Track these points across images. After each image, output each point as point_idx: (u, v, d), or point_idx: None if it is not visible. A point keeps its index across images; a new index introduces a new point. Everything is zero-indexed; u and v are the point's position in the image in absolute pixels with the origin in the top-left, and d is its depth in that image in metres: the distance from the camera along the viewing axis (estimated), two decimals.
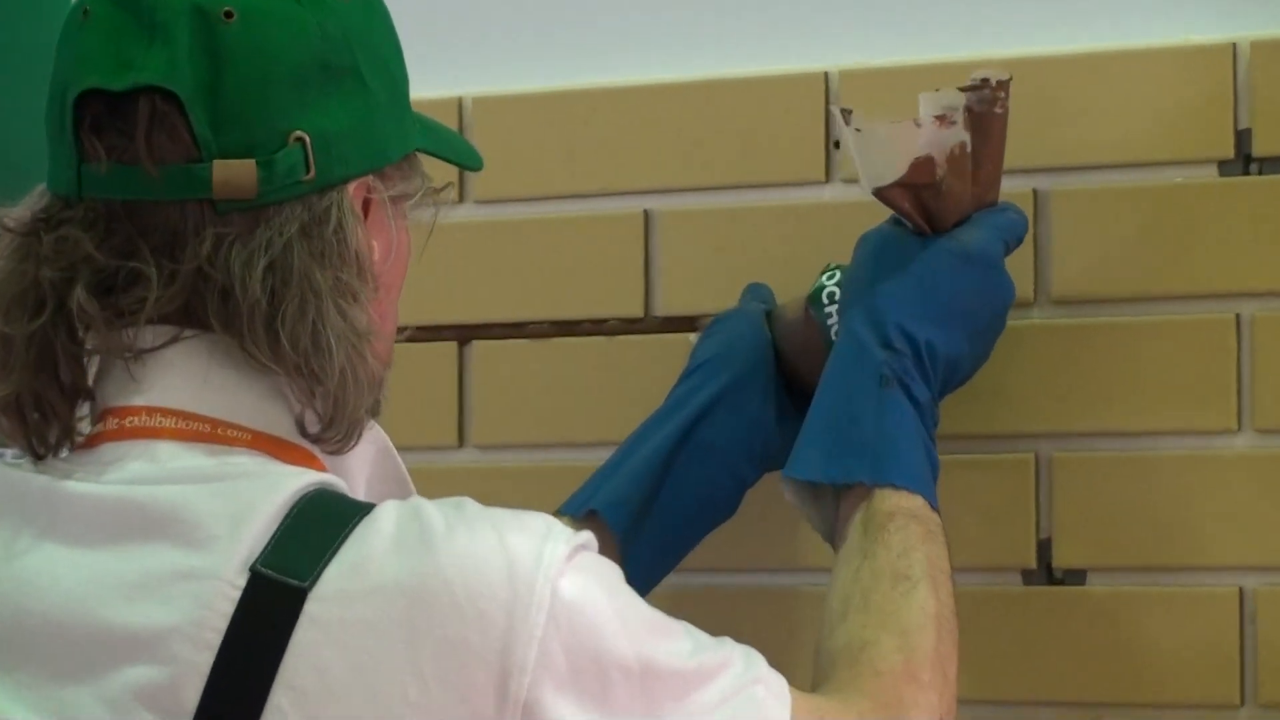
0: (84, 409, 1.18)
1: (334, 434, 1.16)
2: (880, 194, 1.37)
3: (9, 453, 1.28)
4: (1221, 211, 1.46)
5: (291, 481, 1.12)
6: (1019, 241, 1.41)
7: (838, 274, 1.44)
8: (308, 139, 1.15)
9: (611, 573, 1.14)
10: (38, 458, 1.17)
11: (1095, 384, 1.47)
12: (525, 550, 1.09)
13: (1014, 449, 1.49)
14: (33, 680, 1.10)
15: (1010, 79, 1.38)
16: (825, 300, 1.43)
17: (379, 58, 1.21)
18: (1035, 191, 1.49)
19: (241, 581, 1.08)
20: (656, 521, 1.43)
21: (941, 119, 1.35)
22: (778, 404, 1.45)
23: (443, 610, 1.07)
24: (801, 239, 1.54)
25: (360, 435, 1.18)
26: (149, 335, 1.15)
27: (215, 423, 1.15)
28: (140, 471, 1.13)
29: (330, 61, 1.17)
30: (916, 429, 1.34)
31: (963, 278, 1.37)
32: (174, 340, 1.15)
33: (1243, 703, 1.44)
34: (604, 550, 1.15)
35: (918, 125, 1.35)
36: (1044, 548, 1.48)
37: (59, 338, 1.16)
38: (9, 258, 1.17)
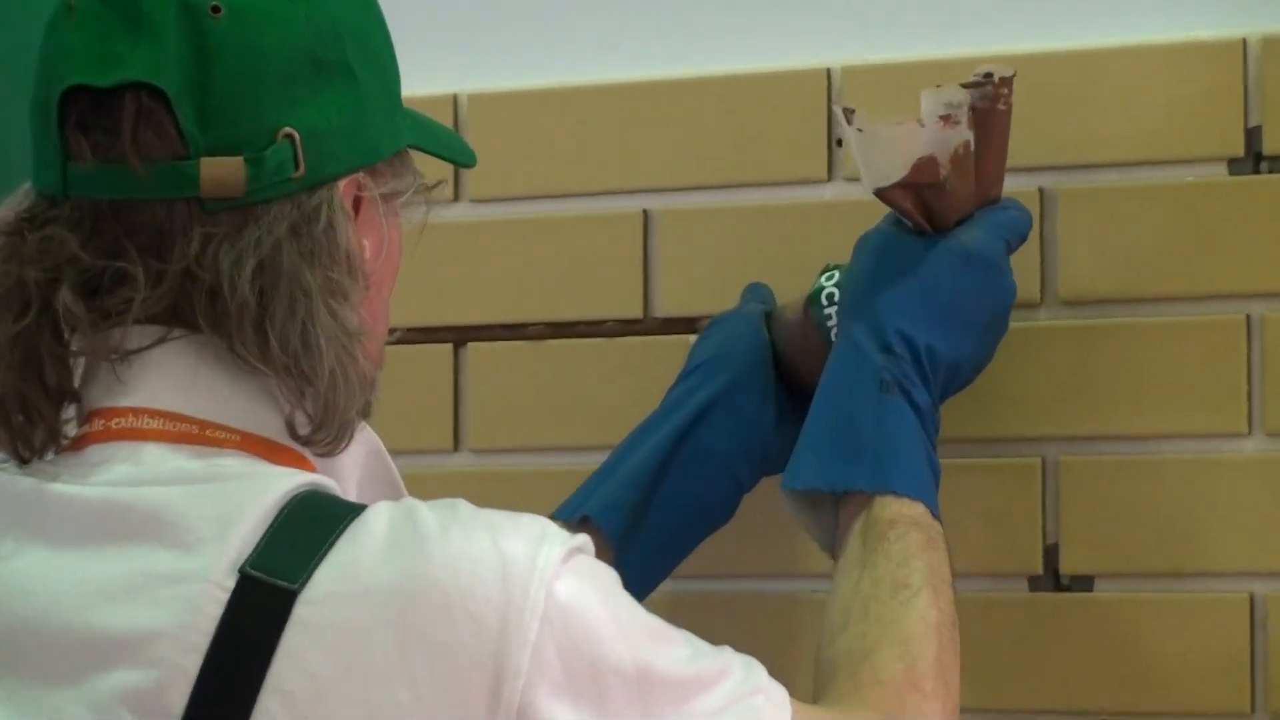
0: (70, 411, 1.18)
1: (324, 435, 1.16)
2: (882, 194, 1.37)
3: None
4: (1231, 210, 1.46)
5: (281, 482, 1.12)
6: (1022, 239, 1.41)
7: (836, 275, 1.43)
8: (297, 136, 1.15)
9: (607, 577, 1.13)
10: (22, 461, 1.17)
11: (1103, 386, 1.47)
12: (520, 553, 1.09)
13: (1020, 452, 1.49)
14: (19, 685, 1.10)
15: (1014, 75, 1.37)
16: (824, 302, 1.43)
17: (369, 52, 1.20)
18: (1041, 190, 1.49)
19: (230, 583, 1.08)
20: (652, 526, 1.43)
21: (946, 119, 1.35)
22: (776, 406, 1.44)
23: (435, 613, 1.07)
24: (803, 238, 1.53)
25: (351, 437, 1.18)
26: (136, 336, 1.15)
27: (203, 424, 1.14)
28: (127, 473, 1.13)
29: (320, 56, 1.16)
30: (917, 434, 1.34)
31: (963, 279, 1.37)
32: (161, 341, 1.15)
33: (1253, 710, 1.44)
34: (599, 556, 1.15)
35: (921, 125, 1.35)
36: (1051, 553, 1.48)
37: (44, 339, 1.15)
38: None
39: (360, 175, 1.18)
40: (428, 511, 1.11)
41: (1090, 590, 1.47)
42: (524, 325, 1.61)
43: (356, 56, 1.18)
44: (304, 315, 1.13)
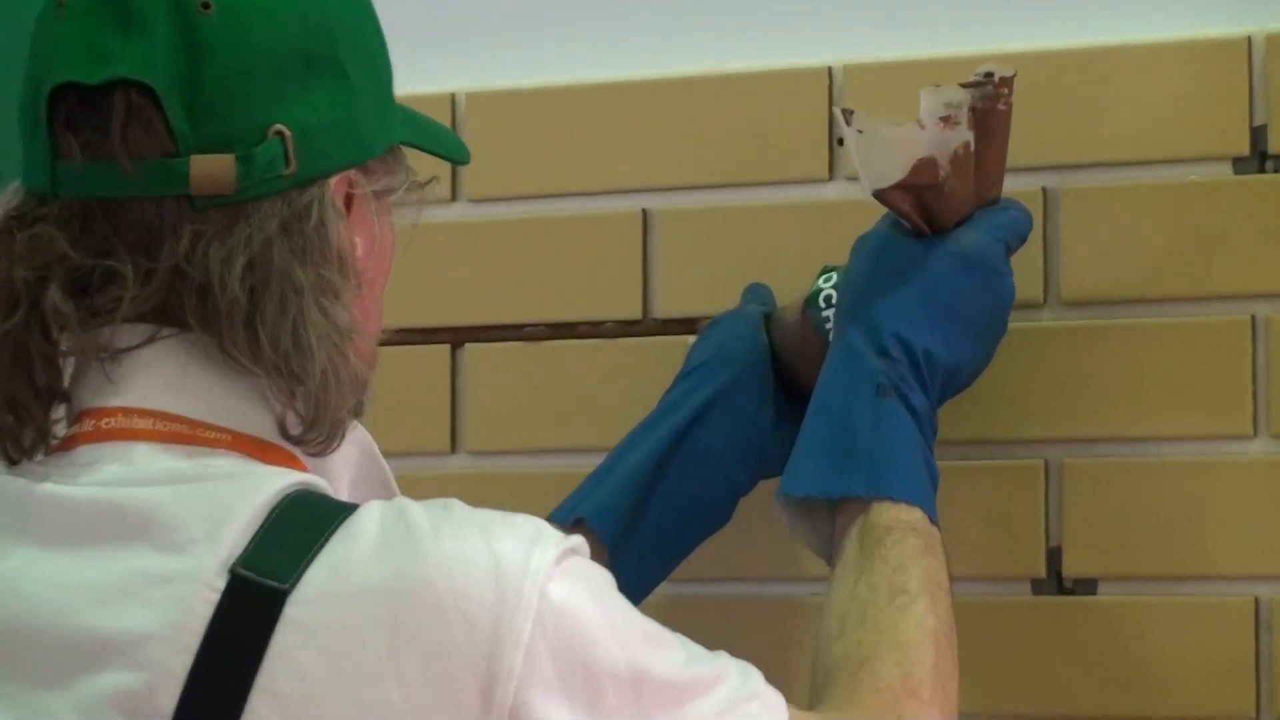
0: (60, 411, 1.17)
1: (316, 435, 1.16)
2: (880, 196, 1.37)
3: None
4: (1236, 210, 1.45)
5: (272, 482, 1.12)
6: (1022, 240, 1.41)
7: (834, 276, 1.43)
8: (288, 132, 1.15)
9: (602, 578, 1.13)
10: (12, 462, 1.17)
11: (1106, 388, 1.47)
12: (513, 553, 1.09)
13: (1022, 455, 1.49)
14: (9, 687, 1.10)
15: (1014, 75, 1.37)
16: (822, 304, 1.42)
17: (361, 48, 1.20)
18: (1044, 190, 1.49)
19: (220, 584, 1.08)
20: (647, 529, 1.43)
21: (946, 120, 1.35)
22: (775, 408, 1.44)
23: (427, 613, 1.07)
24: (804, 238, 1.53)
25: (343, 436, 1.18)
26: (125, 335, 1.15)
27: (194, 424, 1.14)
28: (117, 474, 1.13)
29: (311, 52, 1.16)
30: (915, 439, 1.34)
31: (961, 281, 1.37)
32: (151, 340, 1.15)
33: (1258, 715, 1.43)
34: (594, 558, 1.15)
35: (921, 127, 1.35)
36: (1054, 556, 1.48)
37: (33, 339, 1.15)
38: None
39: (352, 172, 1.18)
40: (420, 511, 1.11)
41: (1094, 593, 1.47)
42: (522, 326, 1.61)
43: (347, 52, 1.18)
44: (295, 313, 1.13)
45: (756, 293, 1.51)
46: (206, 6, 1.13)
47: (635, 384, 1.53)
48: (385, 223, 1.22)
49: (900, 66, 1.52)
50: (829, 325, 1.41)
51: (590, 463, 1.48)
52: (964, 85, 1.37)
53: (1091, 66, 1.48)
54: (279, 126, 1.14)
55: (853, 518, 1.33)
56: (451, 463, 1.62)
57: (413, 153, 1.26)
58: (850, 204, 1.52)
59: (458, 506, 1.12)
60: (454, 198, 1.63)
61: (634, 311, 1.58)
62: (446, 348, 1.63)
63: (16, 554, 1.13)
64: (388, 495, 1.22)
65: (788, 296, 1.49)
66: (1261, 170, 1.45)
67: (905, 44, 1.54)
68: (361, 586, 1.07)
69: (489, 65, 1.64)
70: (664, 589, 1.47)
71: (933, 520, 1.32)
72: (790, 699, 1.17)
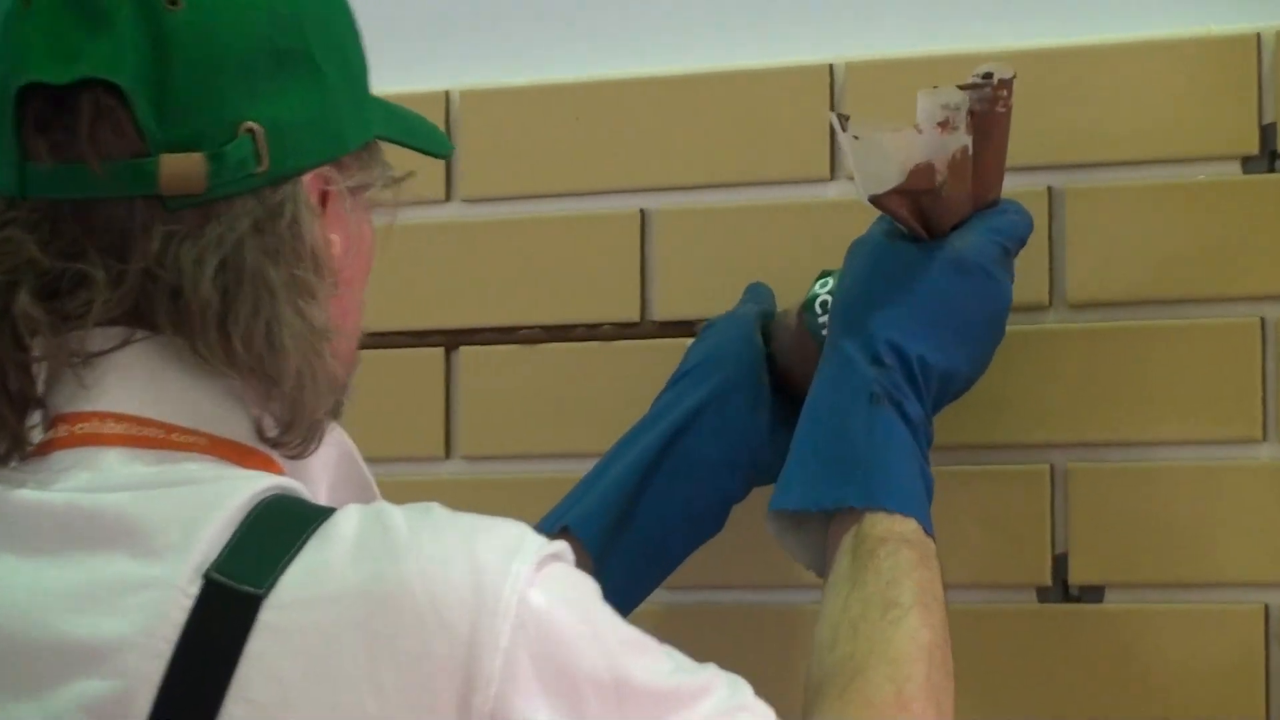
0: (35, 417, 1.17)
1: (292, 438, 1.16)
2: (877, 201, 1.36)
3: None
4: (1245, 210, 1.45)
5: (248, 486, 1.12)
6: (1021, 243, 1.40)
7: (830, 281, 1.43)
8: (259, 130, 1.14)
9: (585, 585, 1.13)
10: None
11: (1113, 391, 1.47)
12: (493, 558, 1.08)
13: (1028, 460, 1.49)
14: None
15: (1013, 76, 1.37)
16: (818, 309, 1.42)
17: (334, 41, 1.20)
18: (1049, 189, 1.49)
19: (194, 589, 1.08)
20: (635, 537, 1.42)
21: (944, 124, 1.34)
22: (769, 413, 1.44)
23: (404, 618, 1.06)
24: (805, 239, 1.53)
25: (321, 439, 1.18)
26: (98, 338, 1.15)
27: (169, 428, 1.14)
28: (91, 479, 1.13)
29: (282, 47, 1.16)
30: (910, 448, 1.34)
31: (957, 286, 1.36)
32: (125, 343, 1.15)
33: None
34: (579, 567, 1.14)
35: (919, 132, 1.34)
36: (1060, 563, 1.48)
37: (4, 345, 1.15)
38: None
39: (326, 169, 1.18)
40: (398, 515, 1.11)
41: (1100, 601, 1.47)
42: (518, 328, 1.61)
43: (320, 47, 1.18)
44: (268, 314, 1.13)
45: (755, 293, 1.50)
46: (174, 3, 1.13)
47: (633, 387, 1.53)
48: (363, 220, 1.22)
49: (902, 64, 1.52)
50: (825, 331, 1.41)
51: (587, 468, 1.48)
52: (962, 87, 1.36)
53: (1097, 64, 1.48)
54: (250, 124, 1.14)
55: (845, 529, 1.32)
56: (445, 468, 1.62)
57: (399, 148, 1.26)
58: (851, 204, 1.50)
59: (438, 510, 1.12)
60: (448, 197, 1.63)
61: (632, 313, 1.58)
62: (440, 351, 1.63)
63: None
64: (368, 498, 1.22)
65: (787, 299, 1.49)
66: (1271, 170, 1.45)
67: (907, 41, 1.53)
68: (338, 591, 1.07)
69: (484, 62, 1.64)
70: (661, 596, 1.47)
71: (927, 531, 1.32)
72: (786, 710, 1.16)
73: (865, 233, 1.41)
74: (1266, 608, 1.43)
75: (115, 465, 1.13)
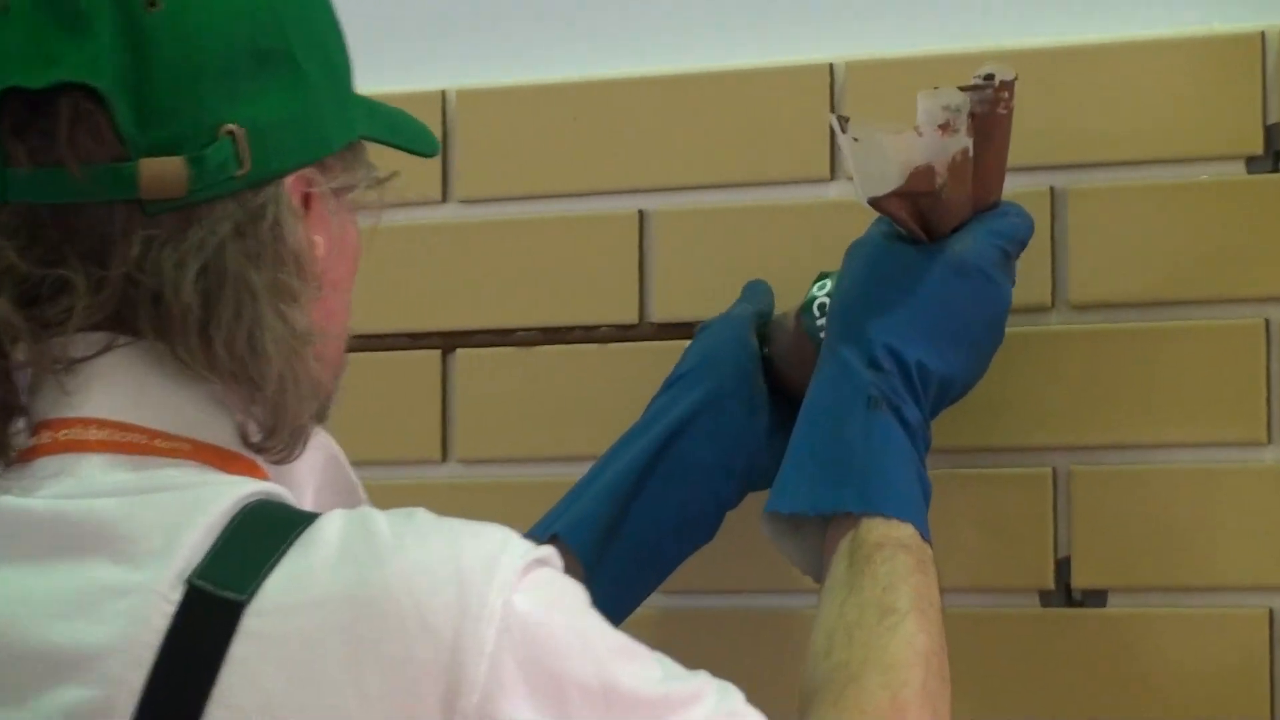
0: (20, 423, 1.17)
1: (276, 443, 1.16)
2: (876, 203, 1.36)
3: None
4: (1249, 211, 1.45)
5: (232, 491, 1.12)
6: (1022, 245, 1.40)
7: (828, 283, 1.43)
8: (239, 132, 1.14)
9: (572, 591, 1.13)
10: None
11: (1115, 393, 1.47)
12: (478, 562, 1.08)
13: (1030, 463, 1.48)
14: None
15: (1015, 78, 1.36)
16: (816, 311, 1.42)
17: (316, 40, 1.20)
18: (1052, 190, 1.49)
19: (176, 596, 1.08)
20: (626, 544, 1.42)
21: (944, 126, 1.34)
22: (765, 417, 1.43)
23: (388, 624, 1.06)
24: (804, 240, 1.53)
25: (305, 443, 1.19)
26: (80, 345, 1.15)
27: (152, 433, 1.15)
28: (75, 486, 1.13)
29: (262, 48, 1.16)
30: (907, 453, 1.33)
31: (955, 290, 1.36)
32: (107, 349, 1.15)
33: None
34: (569, 574, 1.14)
35: (919, 134, 1.34)
36: (1062, 567, 1.48)
37: None
38: None
39: (309, 170, 1.18)
40: (382, 519, 1.10)
41: (1103, 605, 1.47)
42: (515, 331, 1.61)
43: (302, 47, 1.18)
44: (250, 318, 1.13)
45: (753, 291, 1.50)
46: (153, 4, 1.13)
47: (631, 390, 1.52)
48: (347, 221, 1.22)
49: (903, 63, 1.52)
50: (823, 334, 1.40)
51: (585, 472, 1.48)
52: (963, 89, 1.36)
53: (1100, 63, 1.48)
54: (230, 126, 1.14)
55: (842, 533, 1.32)
56: (442, 472, 1.62)
57: (385, 149, 1.26)
58: (851, 205, 1.49)
59: (422, 515, 1.12)
60: (444, 198, 1.63)
61: (630, 315, 1.58)
62: (437, 353, 1.62)
63: None
64: (354, 503, 1.22)
65: (787, 300, 1.48)
66: (1275, 169, 1.45)
67: (908, 40, 1.53)
68: (321, 597, 1.07)
69: (480, 62, 1.63)
70: (657, 601, 1.47)
71: (925, 537, 1.32)
72: (782, 716, 1.16)
73: (864, 234, 1.40)
74: (1271, 612, 1.43)
75: (98, 472, 1.13)
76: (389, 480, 1.60)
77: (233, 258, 1.13)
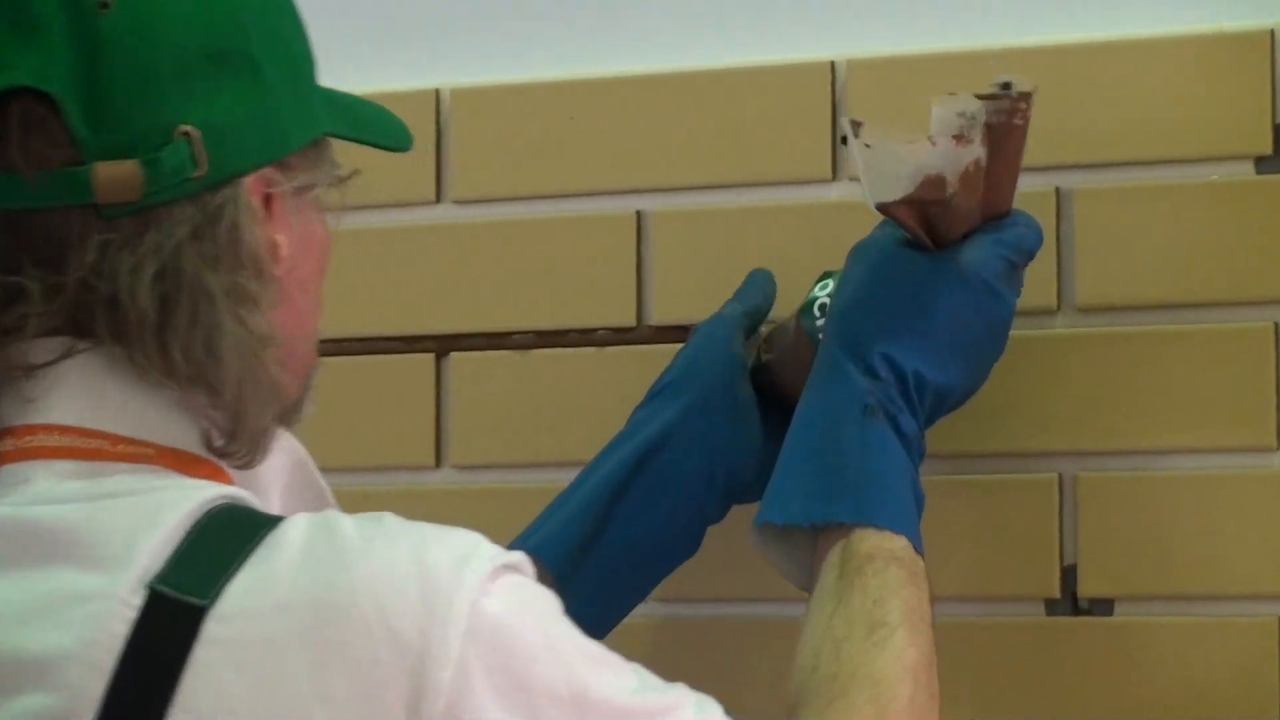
0: None
1: (238, 447, 1.17)
2: (884, 209, 1.36)
3: None
4: (1258, 212, 1.45)
5: (195, 496, 1.12)
6: (1029, 256, 1.40)
7: (830, 283, 1.42)
8: (195, 133, 1.15)
9: (543, 598, 1.13)
10: None
11: (1122, 398, 1.46)
12: (445, 566, 1.08)
13: (1035, 468, 1.48)
14: None
15: (1034, 90, 1.36)
16: (817, 312, 1.42)
17: (275, 37, 1.20)
18: (1057, 190, 1.48)
19: (137, 601, 1.08)
20: (600, 561, 1.42)
21: (959, 138, 1.33)
22: (751, 428, 1.43)
23: (352, 628, 1.06)
24: (805, 241, 1.52)
25: (268, 448, 1.19)
26: (40, 350, 1.15)
27: (115, 439, 1.15)
28: (37, 493, 1.13)
29: (218, 47, 1.16)
30: (903, 463, 1.33)
31: (957, 301, 1.36)
32: (68, 354, 1.15)
33: None
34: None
35: (933, 144, 1.33)
36: (1068, 575, 1.47)
37: None
38: None
39: (269, 170, 1.18)
40: (348, 523, 1.11)
41: (1110, 614, 1.46)
42: (510, 334, 1.60)
43: (259, 44, 1.18)
44: (207, 323, 1.14)
45: (752, 282, 1.49)
46: (105, 6, 1.13)
47: (629, 394, 1.52)
48: (312, 220, 1.22)
49: (906, 61, 1.52)
50: (822, 336, 1.40)
51: None
52: (980, 96, 1.35)
53: (1107, 61, 1.48)
54: (186, 127, 1.14)
55: (833, 542, 1.31)
56: (436, 477, 1.62)
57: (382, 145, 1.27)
58: (853, 206, 1.50)
59: (390, 519, 1.12)
60: (438, 199, 1.62)
61: (627, 318, 1.58)
62: (430, 357, 1.62)
63: None
64: (321, 507, 1.23)
65: (786, 302, 1.48)
66: None
67: (911, 38, 1.53)
68: (284, 601, 1.07)
69: (475, 59, 1.63)
70: (659, 609, 1.47)
71: (917, 549, 1.31)
72: None
73: (869, 236, 1.40)
74: None
75: (61, 479, 1.14)
76: (382, 486, 1.60)
77: (190, 261, 1.14)
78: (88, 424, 1.14)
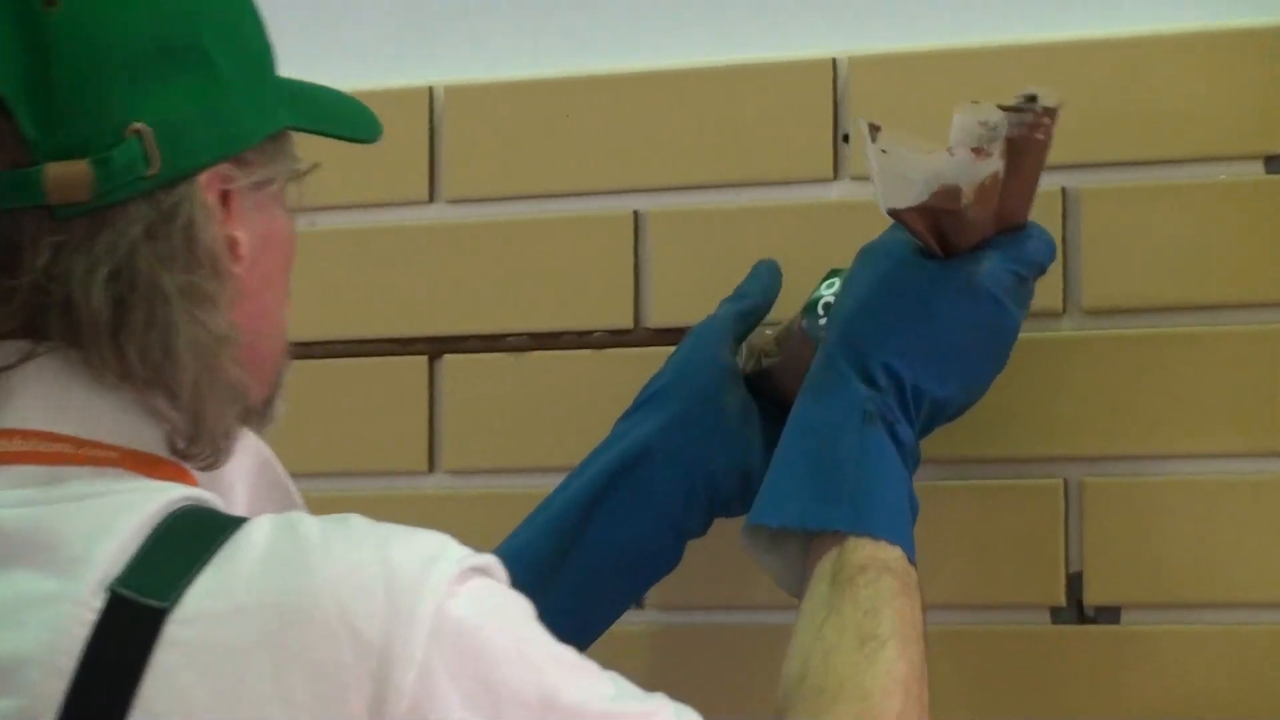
0: None
1: (200, 449, 1.18)
2: (895, 214, 1.36)
3: None
4: (1269, 212, 1.45)
5: (157, 497, 1.13)
6: (1041, 271, 1.40)
7: (836, 282, 1.42)
8: (147, 130, 1.15)
9: (513, 601, 1.12)
10: None
11: (1130, 402, 1.46)
12: (410, 566, 1.08)
13: (1040, 474, 1.48)
14: None
15: (1060, 106, 1.35)
16: (820, 311, 1.41)
17: (229, 29, 1.20)
18: (1064, 190, 1.48)
19: (98, 604, 1.09)
20: (574, 575, 1.42)
21: (978, 151, 1.33)
22: (734, 442, 1.42)
23: (314, 630, 1.07)
24: (806, 241, 1.52)
25: (231, 449, 1.20)
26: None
27: (79, 442, 1.15)
28: (1, 497, 1.14)
29: (169, 42, 1.16)
30: (900, 472, 1.33)
31: (963, 313, 1.36)
32: (28, 358, 1.16)
33: None
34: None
35: (950, 154, 1.33)
36: (1074, 583, 1.47)
37: None
38: None
39: (225, 166, 1.18)
40: (313, 524, 1.11)
41: (1116, 622, 1.46)
42: (505, 336, 1.60)
43: (213, 37, 1.18)
44: (163, 324, 1.14)
45: (754, 277, 1.49)
46: (51, 3, 1.13)
47: (625, 398, 1.52)
48: (274, 216, 1.22)
49: (909, 58, 1.52)
50: (825, 336, 1.40)
51: None
52: (1003, 108, 1.35)
53: (1113, 59, 1.48)
54: (138, 125, 1.14)
55: (826, 549, 1.31)
56: (429, 482, 1.61)
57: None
58: (855, 206, 1.51)
59: (356, 520, 1.12)
60: (431, 198, 1.62)
61: (624, 320, 1.57)
62: (423, 359, 1.62)
63: None
64: (288, 508, 1.23)
65: (787, 304, 1.48)
66: None
67: (914, 34, 1.53)
68: (245, 603, 1.08)
69: (469, 56, 1.63)
70: (646, 617, 1.47)
71: (911, 560, 1.31)
72: None
73: (878, 239, 1.40)
74: None
75: (22, 483, 1.14)
76: (373, 492, 1.60)
77: (144, 261, 1.14)
78: (51, 428, 1.15)
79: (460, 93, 1.62)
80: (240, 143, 1.19)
